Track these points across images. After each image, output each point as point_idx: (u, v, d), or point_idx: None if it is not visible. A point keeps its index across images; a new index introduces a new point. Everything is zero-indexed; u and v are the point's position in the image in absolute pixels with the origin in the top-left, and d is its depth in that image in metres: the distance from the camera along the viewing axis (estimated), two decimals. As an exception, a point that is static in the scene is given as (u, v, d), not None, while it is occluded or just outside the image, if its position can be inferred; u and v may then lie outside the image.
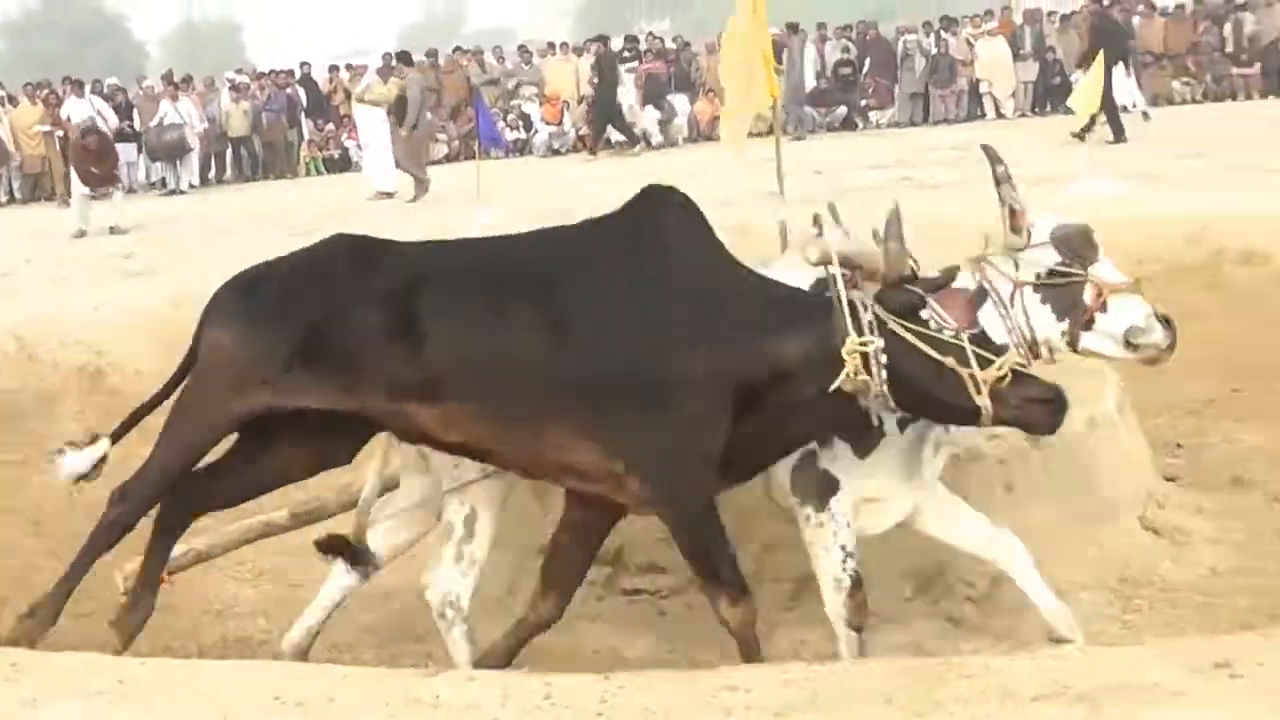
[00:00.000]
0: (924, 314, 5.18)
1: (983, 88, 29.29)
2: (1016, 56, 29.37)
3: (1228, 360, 10.12)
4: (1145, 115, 24.91)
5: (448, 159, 27.76)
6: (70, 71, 28.69)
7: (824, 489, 5.57)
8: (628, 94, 27.99)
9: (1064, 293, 5.54)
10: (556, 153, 28.15)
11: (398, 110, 21.62)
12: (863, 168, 19.49)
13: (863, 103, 29.56)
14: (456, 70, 29.94)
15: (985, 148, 5.94)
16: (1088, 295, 5.50)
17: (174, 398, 5.77)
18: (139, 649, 6.51)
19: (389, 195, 21.77)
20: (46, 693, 4.47)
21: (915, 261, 5.34)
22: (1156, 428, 8.56)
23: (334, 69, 30.85)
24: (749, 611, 5.23)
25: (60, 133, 25.40)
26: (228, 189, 26.66)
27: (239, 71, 32.00)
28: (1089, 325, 5.51)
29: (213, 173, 28.18)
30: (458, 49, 31.37)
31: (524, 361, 5.14)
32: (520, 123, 28.87)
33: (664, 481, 5.12)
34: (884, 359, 5.00)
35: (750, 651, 5.26)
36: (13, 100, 27.59)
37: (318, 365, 5.31)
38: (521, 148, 28.55)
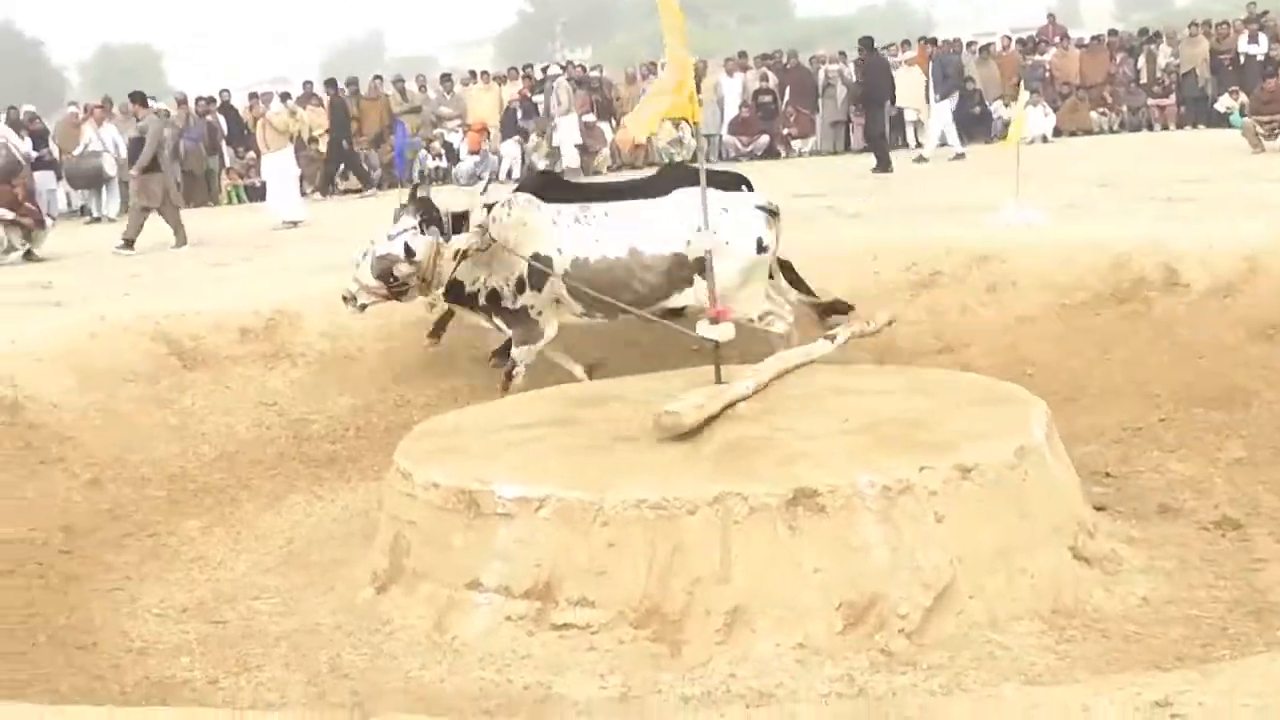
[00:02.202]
0: None
1: (908, 116, 29.38)
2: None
3: (1151, 389, 10.18)
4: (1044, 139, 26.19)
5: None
6: (-16, 98, 28.29)
7: None
8: (573, 123, 27.98)
9: None
10: (479, 179, 28.07)
11: (131, 151, 21.43)
12: (786, 196, 19.45)
13: (785, 131, 29.64)
14: (379, 99, 29.80)
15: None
16: None
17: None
18: (59, 690, 6.37)
19: (294, 224, 21.58)
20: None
21: None
22: (1085, 456, 8.58)
23: (254, 96, 30.58)
24: None
25: (-23, 160, 25.01)
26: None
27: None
28: None
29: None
30: (378, 76, 31.18)
31: None
32: (443, 151, 28.73)
33: None
34: None
35: None
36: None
37: None
38: (444, 176, 28.44)
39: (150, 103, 22.38)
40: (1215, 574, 7.11)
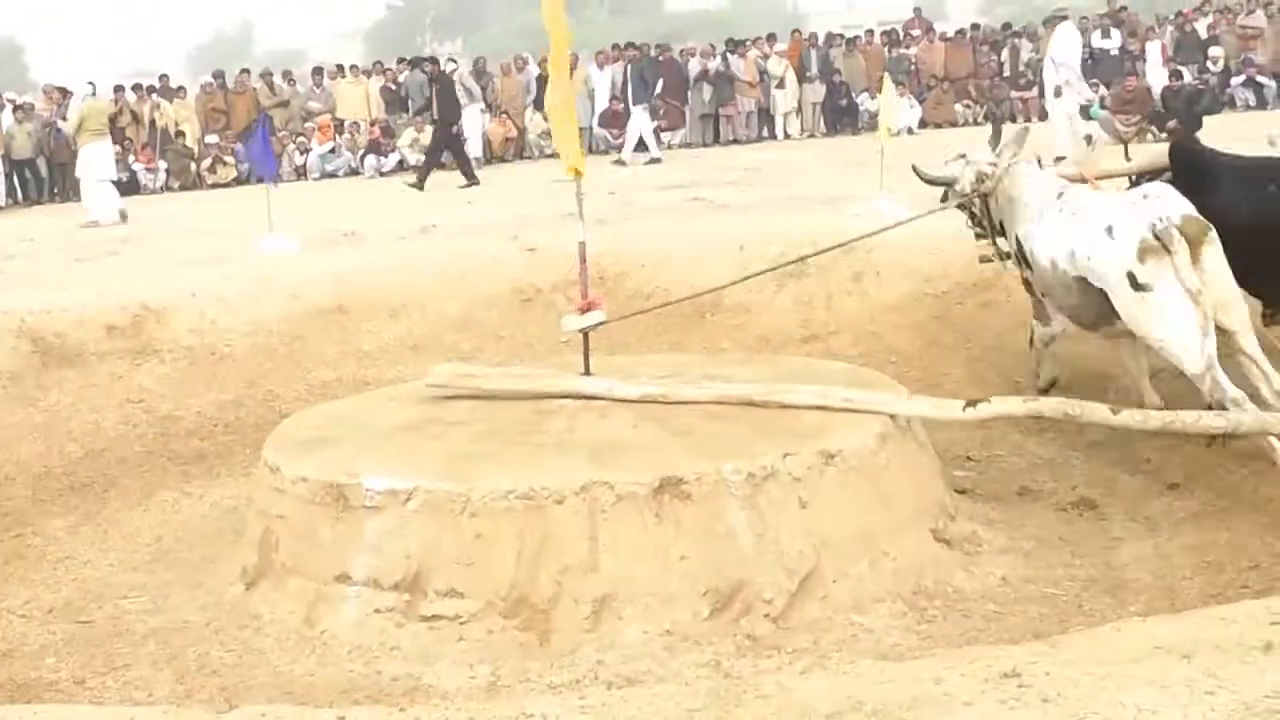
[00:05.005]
0: None
1: (773, 109, 29.71)
2: (804, 79, 29.87)
3: (1012, 375, 10.37)
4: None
5: (238, 182, 27.27)
6: None
7: None
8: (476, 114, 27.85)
9: None
10: (331, 175, 27.78)
11: None
12: (654, 188, 19.60)
13: (654, 124, 29.65)
14: (246, 92, 29.48)
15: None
16: None
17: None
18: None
19: (98, 224, 20.78)
20: None
21: None
22: (947, 441, 8.73)
23: (119, 89, 29.98)
24: None
25: None
26: (13, 213, 25.82)
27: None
28: None
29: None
30: (244, 70, 30.84)
31: None
32: (310, 146, 28.51)
33: None
34: None
35: None
36: None
37: None
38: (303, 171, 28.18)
39: None
40: (1072, 553, 7.31)
